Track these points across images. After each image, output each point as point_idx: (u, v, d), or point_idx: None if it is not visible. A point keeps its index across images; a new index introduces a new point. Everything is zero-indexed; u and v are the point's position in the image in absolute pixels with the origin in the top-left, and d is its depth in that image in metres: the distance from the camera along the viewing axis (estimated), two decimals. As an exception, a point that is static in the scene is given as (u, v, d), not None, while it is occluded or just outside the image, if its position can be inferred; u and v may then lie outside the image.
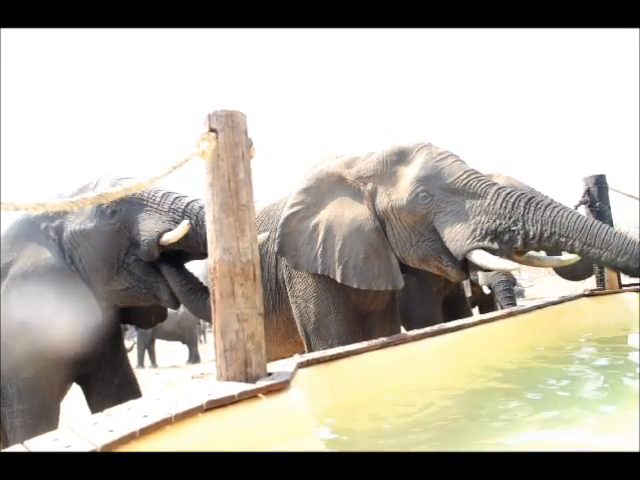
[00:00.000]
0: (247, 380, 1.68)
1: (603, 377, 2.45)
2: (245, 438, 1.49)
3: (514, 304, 6.29)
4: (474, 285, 7.14)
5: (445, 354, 2.57)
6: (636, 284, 4.44)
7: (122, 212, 2.72)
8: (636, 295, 3.95)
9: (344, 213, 3.05)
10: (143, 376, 3.60)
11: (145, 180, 1.50)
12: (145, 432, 1.30)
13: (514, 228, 2.59)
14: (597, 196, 4.10)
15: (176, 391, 1.71)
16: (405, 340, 2.44)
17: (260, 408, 1.56)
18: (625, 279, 4.21)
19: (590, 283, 4.30)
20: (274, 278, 3.44)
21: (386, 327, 3.36)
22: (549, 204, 2.57)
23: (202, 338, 18.00)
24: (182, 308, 2.85)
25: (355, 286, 2.97)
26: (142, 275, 2.74)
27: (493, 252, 2.63)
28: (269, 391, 1.60)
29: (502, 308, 6.20)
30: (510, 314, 3.02)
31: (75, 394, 3.29)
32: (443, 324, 2.82)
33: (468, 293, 6.22)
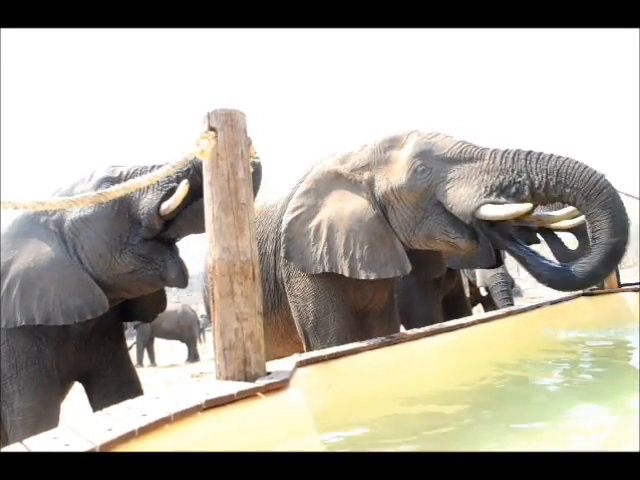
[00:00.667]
0: (246, 379, 1.68)
1: (602, 377, 2.45)
2: (244, 438, 1.49)
3: (511, 304, 6.29)
4: (472, 286, 7.15)
5: (444, 353, 2.57)
6: (635, 283, 4.44)
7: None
8: (635, 294, 3.95)
9: (344, 207, 3.04)
10: (142, 375, 3.59)
11: (143, 179, 1.50)
12: (144, 431, 1.30)
13: (519, 179, 2.49)
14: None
15: (175, 390, 1.71)
16: (404, 339, 2.44)
17: (259, 407, 1.57)
18: (624, 279, 4.21)
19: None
20: (273, 278, 3.45)
21: (384, 326, 3.35)
22: (551, 155, 2.46)
23: (201, 337, 18.01)
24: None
25: (364, 277, 2.94)
26: (148, 254, 2.72)
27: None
28: (268, 390, 1.60)
29: (499, 308, 6.22)
30: (509, 313, 3.02)
31: (75, 392, 3.29)
32: (442, 323, 2.82)
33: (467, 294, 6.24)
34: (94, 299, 2.72)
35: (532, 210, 2.45)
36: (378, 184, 2.98)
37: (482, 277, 6.94)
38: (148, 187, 2.66)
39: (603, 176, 2.31)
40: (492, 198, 2.53)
